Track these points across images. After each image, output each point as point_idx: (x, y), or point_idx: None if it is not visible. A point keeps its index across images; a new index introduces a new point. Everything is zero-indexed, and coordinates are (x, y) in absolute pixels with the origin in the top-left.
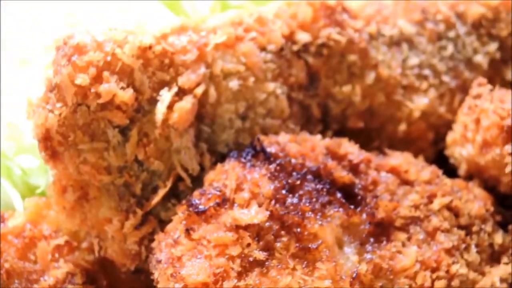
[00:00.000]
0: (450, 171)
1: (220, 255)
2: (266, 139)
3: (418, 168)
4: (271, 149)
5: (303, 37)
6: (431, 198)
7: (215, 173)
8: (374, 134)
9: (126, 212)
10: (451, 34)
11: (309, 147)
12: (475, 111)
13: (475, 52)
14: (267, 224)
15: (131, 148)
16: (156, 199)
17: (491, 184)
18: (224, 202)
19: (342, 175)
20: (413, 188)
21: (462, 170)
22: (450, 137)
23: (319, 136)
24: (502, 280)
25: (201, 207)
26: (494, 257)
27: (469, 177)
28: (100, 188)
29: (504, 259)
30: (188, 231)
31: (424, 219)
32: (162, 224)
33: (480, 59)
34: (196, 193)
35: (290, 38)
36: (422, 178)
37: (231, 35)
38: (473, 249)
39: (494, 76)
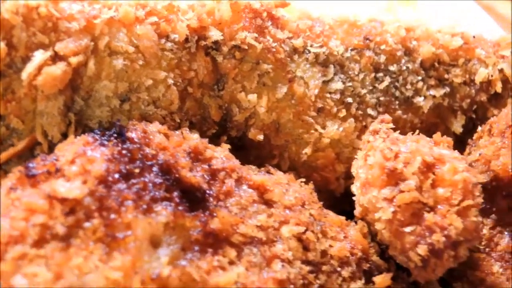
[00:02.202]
0: None
1: (24, 220)
2: (134, 124)
3: (284, 191)
4: (132, 134)
5: (214, 34)
6: (283, 223)
7: (64, 143)
8: (276, 151)
9: None
10: (393, 68)
11: (174, 142)
12: (366, 147)
13: (417, 93)
14: (85, 202)
15: None
16: (2, 155)
17: (375, 229)
18: (57, 172)
19: (188, 175)
20: (268, 209)
21: (357, 210)
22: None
23: (196, 135)
24: None
25: (34, 171)
26: None
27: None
28: None
29: None
30: (10, 190)
31: (267, 243)
32: None
33: (421, 101)
34: (38, 157)
35: (199, 32)
36: (284, 202)
37: (129, 15)
38: None
39: (438, 123)
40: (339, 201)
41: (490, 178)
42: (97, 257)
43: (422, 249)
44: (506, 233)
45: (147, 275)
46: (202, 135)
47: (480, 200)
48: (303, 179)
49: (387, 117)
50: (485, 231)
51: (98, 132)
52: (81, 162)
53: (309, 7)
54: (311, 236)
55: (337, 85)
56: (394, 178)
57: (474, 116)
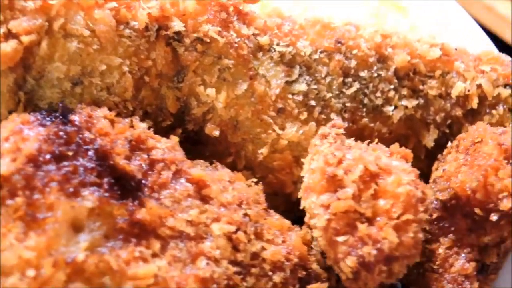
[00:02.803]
0: None
1: None
2: (82, 108)
3: (221, 188)
4: (75, 117)
5: (176, 24)
6: (215, 221)
7: (7, 121)
8: (232, 148)
9: None
10: (363, 74)
11: (118, 129)
12: (313, 150)
13: (388, 102)
14: (12, 179)
15: None
16: None
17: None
18: None
19: (123, 163)
20: (203, 205)
21: (306, 216)
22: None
23: (144, 124)
24: None
25: None
26: None
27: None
28: None
29: None
30: None
31: (195, 239)
32: None
33: (391, 110)
34: None
35: (161, 21)
36: (221, 199)
37: None
38: None
39: (409, 135)
40: (297, 205)
41: (449, 196)
42: (14, 235)
43: (351, 261)
44: (462, 255)
45: (62, 258)
46: (157, 126)
47: (424, 216)
48: (255, 180)
49: (338, 122)
50: (441, 250)
51: (44, 113)
52: (14, 140)
53: (294, 8)
54: (242, 237)
55: (301, 86)
56: (333, 184)
57: (448, 131)
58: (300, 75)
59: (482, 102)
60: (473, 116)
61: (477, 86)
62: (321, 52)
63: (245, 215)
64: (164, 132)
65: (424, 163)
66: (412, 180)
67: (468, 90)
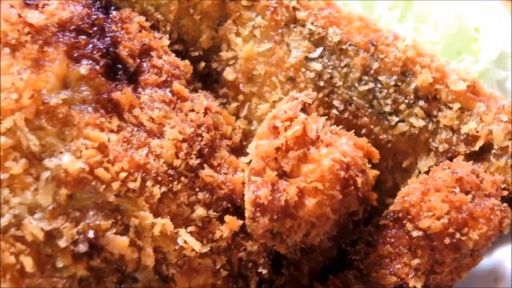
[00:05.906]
0: None
1: None
2: (126, 10)
3: (193, 108)
4: (114, 12)
5: None
6: (172, 127)
7: None
8: (241, 97)
9: None
10: (382, 78)
11: (141, 34)
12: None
13: (396, 113)
14: (40, 30)
15: None
16: None
17: None
18: (38, 6)
19: (125, 54)
20: (170, 113)
21: None
22: None
23: (167, 42)
24: None
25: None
26: None
27: None
28: None
29: None
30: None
31: (149, 133)
32: None
33: (396, 121)
34: None
35: None
36: (187, 115)
37: None
38: None
39: (408, 153)
40: None
41: (399, 208)
42: (17, 68)
43: (248, 197)
44: (390, 268)
45: (40, 97)
46: (187, 53)
47: (338, 196)
48: (242, 126)
49: (312, 93)
50: (372, 256)
51: (92, 1)
52: (56, 6)
53: None
54: (185, 147)
55: (317, 66)
56: (273, 134)
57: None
58: (321, 56)
59: (488, 148)
60: (476, 159)
61: (488, 131)
62: (350, 45)
63: (199, 135)
64: (190, 60)
65: None
66: (343, 161)
67: (477, 131)
